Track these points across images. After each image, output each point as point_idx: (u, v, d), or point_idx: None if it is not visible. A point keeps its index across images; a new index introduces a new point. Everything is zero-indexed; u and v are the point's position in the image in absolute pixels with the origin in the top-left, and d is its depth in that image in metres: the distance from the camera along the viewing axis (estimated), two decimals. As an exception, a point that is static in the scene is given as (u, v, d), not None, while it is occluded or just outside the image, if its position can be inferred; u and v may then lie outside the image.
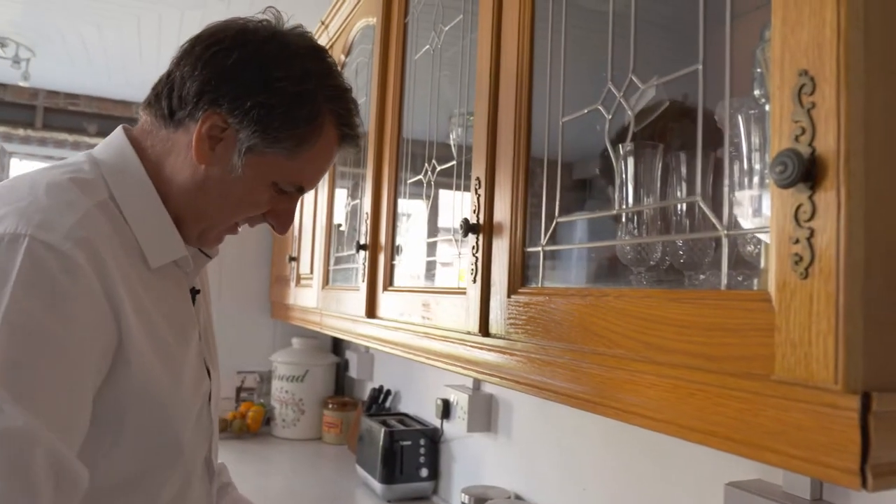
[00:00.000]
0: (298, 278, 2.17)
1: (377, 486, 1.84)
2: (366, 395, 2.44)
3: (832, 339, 0.47)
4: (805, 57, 0.50)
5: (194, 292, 0.88)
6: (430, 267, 1.37)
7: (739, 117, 0.66)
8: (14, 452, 0.59)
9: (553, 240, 0.87)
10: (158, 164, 0.80)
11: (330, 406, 2.46)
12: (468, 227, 0.98)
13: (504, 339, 0.91)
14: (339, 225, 1.91)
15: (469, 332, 0.99)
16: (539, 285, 0.87)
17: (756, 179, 0.65)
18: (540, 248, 0.87)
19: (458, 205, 1.18)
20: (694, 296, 0.61)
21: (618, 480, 1.20)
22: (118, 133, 0.82)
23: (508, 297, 0.90)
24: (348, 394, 2.66)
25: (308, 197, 2.16)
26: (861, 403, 0.46)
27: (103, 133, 4.06)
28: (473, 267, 0.98)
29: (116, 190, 0.76)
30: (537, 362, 0.85)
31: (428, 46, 1.32)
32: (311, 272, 2.04)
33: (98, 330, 0.67)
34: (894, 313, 0.48)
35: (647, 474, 1.13)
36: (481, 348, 0.97)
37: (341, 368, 2.69)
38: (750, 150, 0.66)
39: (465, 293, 1.01)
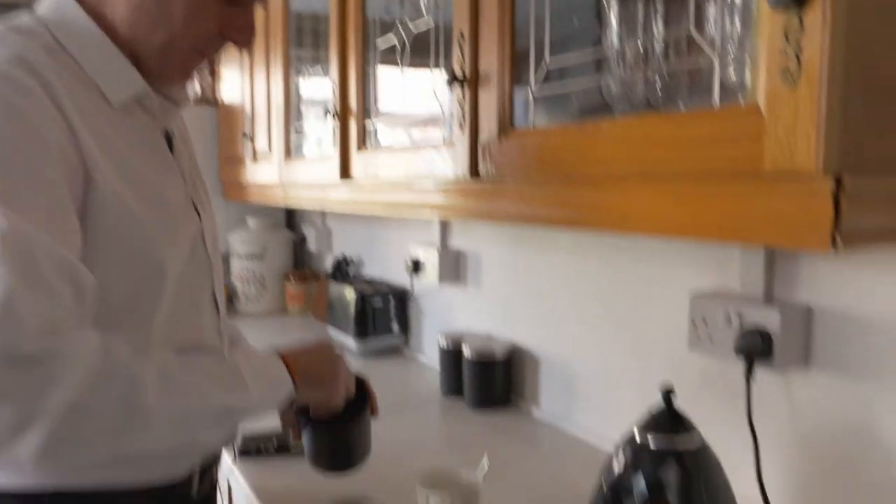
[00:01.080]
0: (255, 155, 2.18)
1: (352, 343, 1.96)
2: (325, 267, 2.53)
3: (814, 133, 0.57)
4: None
5: (169, 137, 0.89)
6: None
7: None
8: (18, 250, 0.60)
9: (542, 85, 0.94)
10: (99, 8, 0.80)
11: (291, 279, 2.54)
12: (454, 78, 1.03)
13: (495, 181, 1.00)
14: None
15: (458, 179, 1.07)
16: (531, 127, 0.95)
17: (739, 12, 0.74)
18: (529, 91, 0.94)
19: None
20: (689, 116, 0.71)
21: (591, 308, 1.35)
22: None
23: (499, 140, 0.97)
24: (308, 267, 2.74)
25: (259, 74, 2.13)
26: (834, 183, 0.57)
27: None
28: (461, 116, 1.04)
29: (61, 35, 0.77)
30: (531, 198, 0.94)
31: None
32: (270, 148, 2.05)
33: (62, 144, 0.69)
34: (866, 112, 0.58)
35: (615, 300, 1.28)
36: (472, 193, 1.06)
37: (298, 244, 2.75)
38: (732, -15, 0.74)
39: (452, 145, 1.08)
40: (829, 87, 0.56)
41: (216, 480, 0.99)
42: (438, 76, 1.20)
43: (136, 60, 0.81)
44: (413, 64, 1.32)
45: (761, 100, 0.62)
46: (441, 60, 1.19)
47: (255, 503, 1.13)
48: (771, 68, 0.60)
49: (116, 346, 0.66)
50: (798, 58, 0.58)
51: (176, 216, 0.85)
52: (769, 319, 0.92)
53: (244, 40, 0.86)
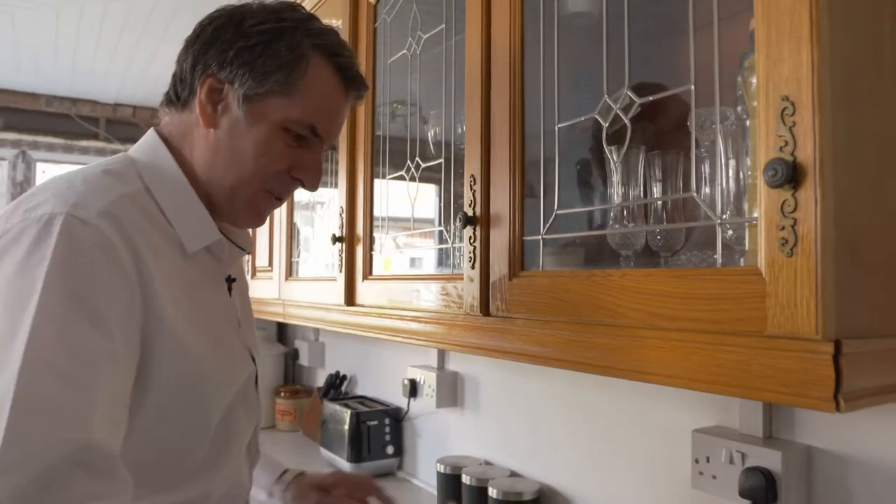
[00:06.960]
0: (254, 271, 2.22)
1: (346, 465, 1.93)
2: (317, 382, 2.51)
3: (813, 301, 0.62)
4: (786, 86, 0.66)
5: (230, 280, 0.93)
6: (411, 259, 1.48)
7: (718, 128, 0.81)
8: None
9: (551, 229, 1.00)
10: (181, 150, 0.87)
11: (282, 394, 2.52)
12: (466, 220, 1.10)
13: (506, 317, 1.04)
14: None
15: (468, 314, 1.11)
16: (540, 269, 1.00)
17: (731, 176, 0.81)
18: (539, 237, 1.00)
19: (440, 198, 1.29)
20: (695, 273, 0.76)
21: (587, 439, 1.36)
22: (149, 132, 0.89)
23: (510, 279, 1.02)
24: (299, 381, 2.72)
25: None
26: (834, 348, 0.62)
27: (11, 127, 3.87)
28: (472, 254, 1.10)
29: (151, 183, 0.82)
30: (540, 336, 0.98)
31: (404, 52, 1.42)
32: (270, 265, 2.09)
33: (131, 305, 0.72)
34: (857, 281, 0.64)
35: (615, 431, 1.30)
36: (482, 328, 1.10)
37: (290, 358, 2.75)
38: (727, 156, 0.82)
39: (461, 279, 1.13)
40: (822, 261, 0.62)
41: None
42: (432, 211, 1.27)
43: (209, 200, 0.86)
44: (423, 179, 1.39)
45: (763, 265, 0.67)
46: (451, 187, 1.27)
47: None
48: (770, 238, 0.67)
49: None
50: (794, 231, 0.64)
51: (232, 366, 0.87)
52: (771, 459, 0.94)
53: (312, 181, 0.90)
